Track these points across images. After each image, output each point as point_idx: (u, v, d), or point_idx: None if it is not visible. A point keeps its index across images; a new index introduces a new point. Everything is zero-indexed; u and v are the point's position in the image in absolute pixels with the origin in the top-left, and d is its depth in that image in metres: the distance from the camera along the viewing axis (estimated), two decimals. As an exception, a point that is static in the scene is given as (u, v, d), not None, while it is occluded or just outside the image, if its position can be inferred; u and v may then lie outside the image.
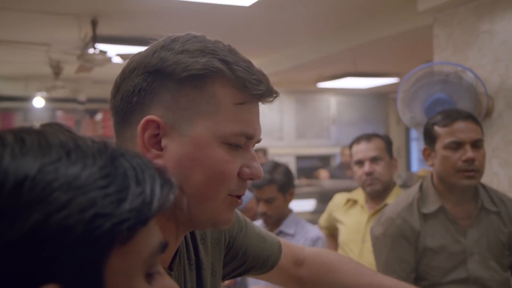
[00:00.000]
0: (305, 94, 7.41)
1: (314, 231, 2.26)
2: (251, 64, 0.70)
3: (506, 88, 2.42)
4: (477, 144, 1.60)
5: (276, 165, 2.27)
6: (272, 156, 6.25)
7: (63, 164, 0.41)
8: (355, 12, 3.71)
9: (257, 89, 0.69)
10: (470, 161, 1.58)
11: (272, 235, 1.01)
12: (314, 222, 2.64)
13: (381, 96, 7.88)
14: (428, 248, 1.64)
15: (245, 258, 0.93)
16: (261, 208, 2.23)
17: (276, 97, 0.72)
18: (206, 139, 0.67)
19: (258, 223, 2.33)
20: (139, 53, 0.72)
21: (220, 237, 0.89)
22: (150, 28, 3.88)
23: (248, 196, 2.74)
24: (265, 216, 2.25)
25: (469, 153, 1.57)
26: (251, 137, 0.71)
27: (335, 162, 7.14)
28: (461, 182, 1.60)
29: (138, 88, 0.68)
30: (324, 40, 4.49)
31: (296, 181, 4.32)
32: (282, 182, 2.21)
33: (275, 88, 0.73)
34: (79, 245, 0.39)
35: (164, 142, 0.68)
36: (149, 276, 0.45)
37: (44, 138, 0.43)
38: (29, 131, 0.44)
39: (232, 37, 4.02)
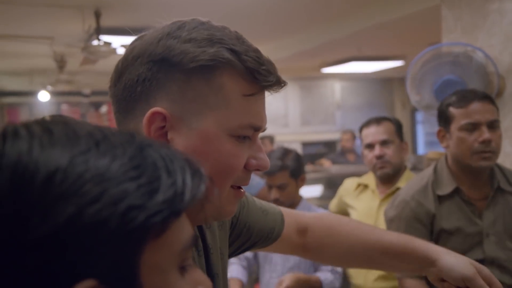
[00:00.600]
0: (309, 81, 7.37)
1: (327, 217, 2.25)
2: (260, 53, 0.68)
3: (517, 67, 2.39)
4: (493, 125, 1.58)
5: (286, 151, 2.26)
6: (278, 143, 6.24)
7: (93, 155, 0.40)
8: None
9: (267, 80, 0.67)
10: (487, 142, 1.56)
11: (273, 206, 1.01)
12: (322, 207, 2.63)
13: (386, 80, 7.82)
14: (444, 230, 1.63)
15: (249, 234, 0.94)
16: (273, 194, 2.22)
17: (283, 86, 0.71)
18: (214, 132, 0.66)
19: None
20: (142, 37, 0.69)
21: None
22: (154, 18, 3.84)
23: (260, 183, 2.74)
24: (277, 203, 2.21)
25: (486, 134, 1.55)
26: (259, 128, 0.70)
27: (339, 148, 7.13)
28: (478, 164, 1.58)
29: (142, 77, 0.66)
30: (328, 26, 4.44)
31: (304, 167, 4.31)
32: (293, 168, 2.20)
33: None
34: (114, 238, 0.38)
35: (170, 135, 0.66)
36: (182, 269, 0.44)
37: (71, 128, 0.41)
38: (56, 121, 0.42)
39: (235, 24, 3.97)
